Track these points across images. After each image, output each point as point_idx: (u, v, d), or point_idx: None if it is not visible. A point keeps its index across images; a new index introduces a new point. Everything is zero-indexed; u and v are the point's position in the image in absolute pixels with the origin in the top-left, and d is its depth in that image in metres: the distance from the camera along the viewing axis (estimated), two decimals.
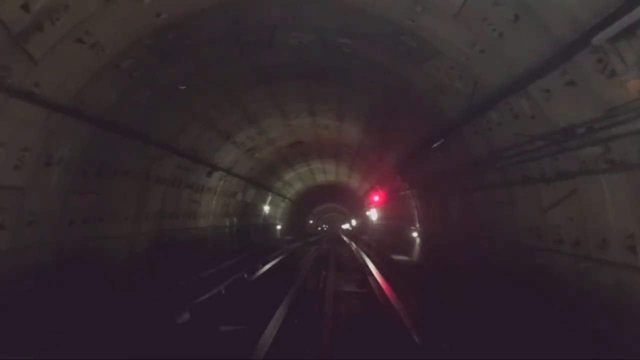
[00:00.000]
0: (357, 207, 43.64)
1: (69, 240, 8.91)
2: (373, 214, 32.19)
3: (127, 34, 7.24)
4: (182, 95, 10.79)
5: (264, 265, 16.57)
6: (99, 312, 8.31)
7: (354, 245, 26.90)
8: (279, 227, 37.89)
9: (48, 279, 8.26)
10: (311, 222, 62.26)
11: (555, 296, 6.88)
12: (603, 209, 5.58)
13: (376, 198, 25.00)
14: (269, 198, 30.33)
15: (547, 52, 5.19)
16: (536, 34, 5.29)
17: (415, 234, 17.84)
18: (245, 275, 13.84)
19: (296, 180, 33.65)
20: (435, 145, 10.83)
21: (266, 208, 30.39)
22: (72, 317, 7.74)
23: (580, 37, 4.44)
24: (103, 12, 6.31)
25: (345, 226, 64.11)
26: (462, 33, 6.67)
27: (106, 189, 10.09)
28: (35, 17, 5.54)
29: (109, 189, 10.21)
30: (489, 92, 7.17)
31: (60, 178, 8.25)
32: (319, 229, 66.41)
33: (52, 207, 8.25)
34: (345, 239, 37.55)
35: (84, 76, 7.36)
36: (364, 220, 40.55)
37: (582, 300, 6.15)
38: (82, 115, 7.88)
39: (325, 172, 32.99)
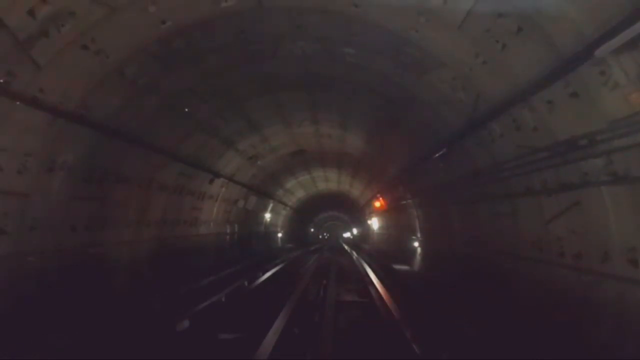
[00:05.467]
0: (358, 216, 43.57)
1: (70, 246, 8.90)
2: (374, 223, 32.13)
3: (132, 41, 7.29)
4: (185, 103, 10.84)
5: (264, 273, 16.54)
6: (99, 318, 8.29)
7: (354, 254, 26.87)
8: (280, 235, 37.81)
9: (49, 285, 8.24)
10: (312, 230, 62.15)
11: (557, 309, 6.84)
12: (605, 221, 5.57)
13: (377, 205, 24.97)
14: (271, 206, 30.30)
15: (550, 64, 5.21)
16: (539, 46, 5.32)
17: (416, 244, 17.79)
18: (246, 284, 13.81)
19: (298, 188, 33.62)
20: (437, 155, 10.83)
21: (267, 216, 30.34)
22: (72, 323, 7.72)
23: (583, 49, 4.46)
24: (108, 19, 6.36)
25: (347, 235, 63.99)
26: (465, 44, 6.70)
27: (109, 196, 10.10)
28: (41, 23, 5.59)
29: (112, 195, 10.22)
30: (491, 103, 7.19)
31: (63, 184, 8.26)
32: (320, 237, 66.30)
33: (55, 212, 8.25)
34: (346, 247, 37.55)
35: (88, 83, 7.40)
36: (365, 229, 40.46)
37: (584, 314, 6.11)
38: (85, 122, 7.90)
39: (327, 180, 32.95)
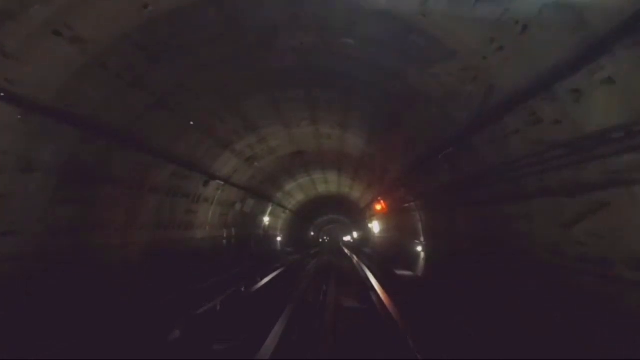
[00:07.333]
0: (359, 219, 43.11)
1: (52, 251, 8.32)
2: (375, 227, 31.59)
3: (112, 28, 6.67)
4: (177, 100, 10.26)
5: (262, 278, 16.07)
6: (84, 328, 7.78)
7: (355, 258, 26.40)
8: (279, 238, 37.28)
9: (30, 291, 7.67)
10: (312, 233, 61.70)
11: (579, 320, 6.25)
12: (637, 224, 4.97)
13: (378, 208, 24.45)
14: (269, 209, 29.76)
15: (580, 46, 4.59)
16: (568, 25, 4.68)
17: (419, 248, 17.21)
18: (243, 289, 13.33)
19: (297, 190, 33.10)
20: (442, 154, 10.27)
21: (266, 219, 29.78)
22: (56, 333, 7.24)
23: (622, 25, 3.84)
24: (83, 2, 5.76)
25: (347, 238, 63.70)
26: (478, 28, 6.08)
27: (95, 197, 9.53)
28: (3, 3, 4.98)
29: (98, 196, 9.64)
30: (506, 95, 6.58)
31: (41, 184, 7.69)
32: (320, 240, 65.94)
33: (33, 215, 7.69)
34: (346, 251, 37.18)
35: (64, 74, 6.79)
36: (366, 232, 40.00)
37: (609, 326, 5.53)
38: (64, 117, 7.32)
39: (327, 182, 32.45)
